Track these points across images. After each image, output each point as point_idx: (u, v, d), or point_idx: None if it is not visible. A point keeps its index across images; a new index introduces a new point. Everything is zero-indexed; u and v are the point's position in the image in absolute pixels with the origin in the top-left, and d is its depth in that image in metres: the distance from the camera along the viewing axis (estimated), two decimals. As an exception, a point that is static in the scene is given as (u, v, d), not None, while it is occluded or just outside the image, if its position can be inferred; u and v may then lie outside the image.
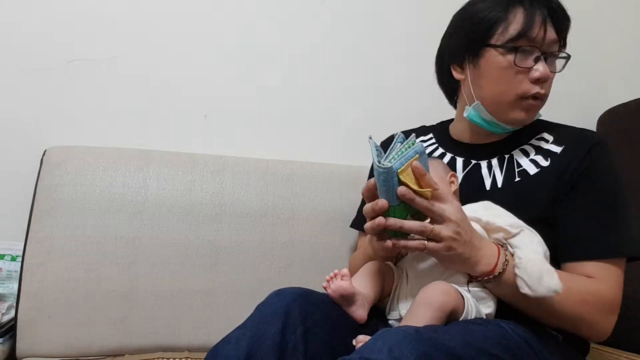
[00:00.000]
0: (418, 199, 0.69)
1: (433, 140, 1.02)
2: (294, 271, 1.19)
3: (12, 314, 1.06)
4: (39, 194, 1.10)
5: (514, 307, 0.76)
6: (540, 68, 0.82)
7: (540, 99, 0.84)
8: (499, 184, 0.87)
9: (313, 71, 1.43)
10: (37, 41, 1.23)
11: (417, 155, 0.70)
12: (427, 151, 1.00)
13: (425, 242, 0.71)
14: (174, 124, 1.32)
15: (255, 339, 0.65)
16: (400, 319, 0.78)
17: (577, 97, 1.65)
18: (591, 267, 0.78)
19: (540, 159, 0.86)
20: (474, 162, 0.92)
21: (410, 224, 0.70)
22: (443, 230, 0.70)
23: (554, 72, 0.86)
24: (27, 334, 1.03)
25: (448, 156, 0.96)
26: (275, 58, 1.41)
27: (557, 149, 0.86)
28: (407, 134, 1.05)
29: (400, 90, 1.48)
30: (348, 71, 1.46)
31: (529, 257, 0.70)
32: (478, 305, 0.74)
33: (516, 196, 0.84)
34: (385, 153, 0.72)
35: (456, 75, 0.92)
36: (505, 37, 0.82)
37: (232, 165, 1.23)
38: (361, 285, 0.77)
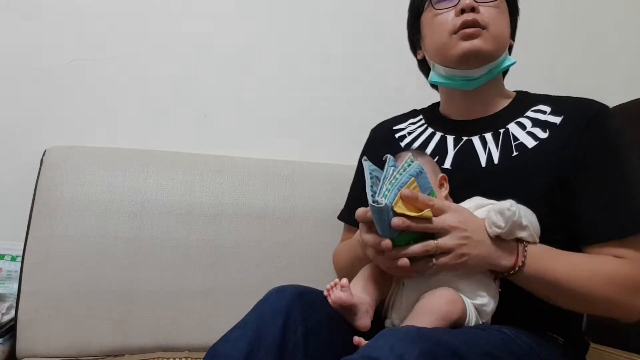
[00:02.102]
0: (414, 225, 0.66)
1: (423, 122, 0.99)
2: (294, 271, 1.19)
3: (12, 314, 1.06)
4: (39, 194, 1.10)
5: (540, 295, 0.74)
6: (464, 1, 0.81)
7: (477, 26, 0.81)
8: (495, 160, 0.82)
9: (313, 71, 1.43)
10: (37, 41, 1.23)
11: (413, 179, 0.67)
12: (417, 133, 0.97)
13: (433, 259, 0.68)
14: (174, 124, 1.32)
15: (255, 339, 0.64)
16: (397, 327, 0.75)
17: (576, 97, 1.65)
18: (615, 247, 0.74)
19: (538, 131, 0.82)
20: (465, 138, 0.88)
21: (414, 249, 0.68)
22: (448, 241, 0.68)
23: (487, 2, 0.83)
24: (27, 334, 1.03)
25: (438, 135, 0.93)
26: (276, 58, 1.41)
27: (556, 120, 0.82)
28: (398, 119, 1.04)
29: (401, 90, 1.48)
30: (348, 71, 1.46)
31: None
32: (477, 313, 0.72)
33: (515, 172, 0.80)
34: (381, 174, 0.69)
35: (419, 57, 0.96)
36: None
37: (232, 165, 1.23)
38: (362, 290, 0.75)
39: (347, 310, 0.72)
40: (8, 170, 1.20)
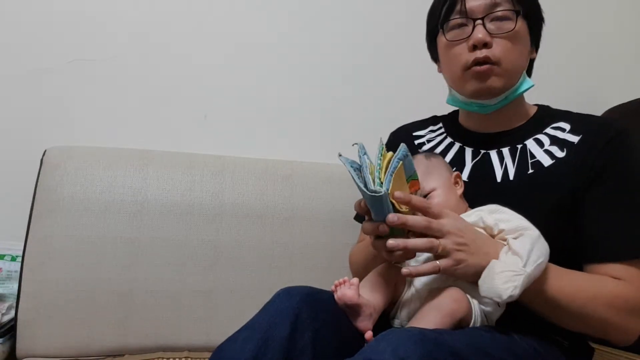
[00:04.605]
0: (411, 221, 0.66)
1: (442, 130, 0.99)
2: (293, 271, 1.19)
3: (12, 314, 1.06)
4: (39, 194, 1.10)
5: (539, 312, 0.74)
6: (477, 35, 0.80)
7: (490, 62, 0.80)
8: (511, 176, 0.83)
9: (313, 71, 1.43)
10: (37, 41, 1.23)
11: (401, 163, 0.67)
12: (436, 141, 0.97)
13: (438, 262, 0.68)
14: (174, 124, 1.32)
15: (262, 341, 0.63)
16: (401, 327, 0.75)
17: (577, 97, 1.65)
18: (617, 268, 0.75)
19: (555, 149, 0.82)
20: (483, 151, 0.88)
21: (416, 242, 0.67)
22: (448, 244, 0.67)
23: (502, 33, 0.81)
24: (27, 334, 1.03)
25: (457, 145, 0.93)
26: (276, 58, 1.41)
27: (574, 139, 0.82)
28: (418, 125, 1.04)
29: (401, 90, 1.48)
30: (348, 71, 1.46)
31: (510, 260, 0.67)
32: (483, 314, 0.73)
33: (529, 189, 0.80)
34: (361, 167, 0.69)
35: (439, 71, 0.95)
36: (440, 20, 0.86)
37: (232, 165, 1.23)
38: (370, 292, 0.74)
39: (351, 310, 0.71)
40: (8, 170, 1.20)
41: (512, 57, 0.81)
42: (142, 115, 1.30)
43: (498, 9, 0.81)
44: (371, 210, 0.69)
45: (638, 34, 1.77)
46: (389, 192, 0.65)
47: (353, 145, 0.71)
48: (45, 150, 1.15)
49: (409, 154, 0.69)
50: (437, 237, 0.68)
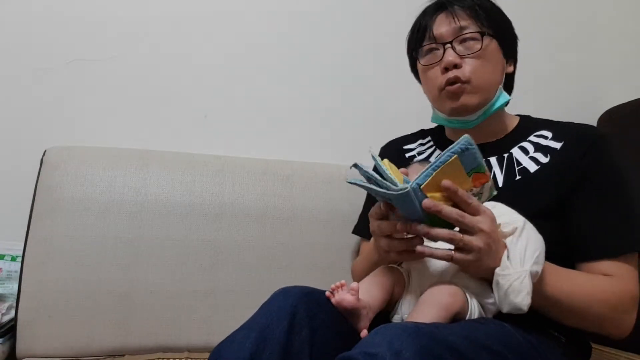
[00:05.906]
0: (446, 210, 0.66)
1: (431, 143, 1.03)
2: (293, 271, 1.19)
3: (12, 314, 1.06)
4: (39, 194, 1.10)
5: (539, 310, 0.75)
6: (447, 58, 0.85)
7: (461, 82, 0.84)
8: (500, 183, 0.86)
9: (313, 71, 1.43)
10: (37, 41, 1.24)
11: (455, 157, 0.64)
12: (427, 154, 1.00)
13: (453, 252, 0.68)
14: (174, 124, 1.32)
15: (260, 339, 0.63)
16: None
17: (577, 97, 1.65)
18: (607, 265, 0.78)
19: (540, 155, 0.87)
20: None
21: (438, 231, 0.68)
22: (475, 241, 0.67)
23: (471, 53, 0.85)
24: (27, 334, 1.03)
25: None
26: (275, 58, 1.41)
27: (556, 145, 0.86)
28: (407, 138, 1.06)
29: (400, 91, 1.48)
30: (348, 71, 1.46)
31: (508, 270, 0.68)
32: (481, 308, 0.73)
33: (518, 195, 0.83)
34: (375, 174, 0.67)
35: (424, 92, 0.99)
36: (414, 47, 0.93)
37: (232, 165, 1.23)
38: (369, 293, 0.75)
39: (349, 313, 0.72)
40: (8, 170, 1.20)
41: (482, 75, 0.85)
42: (142, 115, 1.30)
43: (465, 32, 0.86)
44: (401, 211, 0.69)
45: (638, 34, 1.77)
46: (420, 186, 0.64)
47: (351, 167, 0.71)
48: (45, 150, 1.15)
49: (471, 146, 0.66)
50: (468, 232, 0.68)
